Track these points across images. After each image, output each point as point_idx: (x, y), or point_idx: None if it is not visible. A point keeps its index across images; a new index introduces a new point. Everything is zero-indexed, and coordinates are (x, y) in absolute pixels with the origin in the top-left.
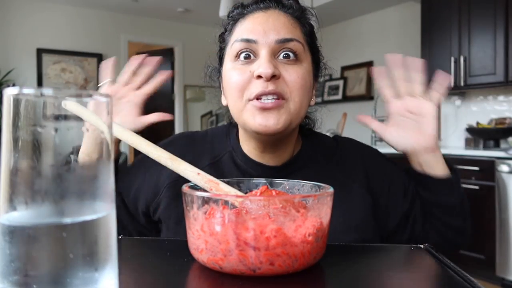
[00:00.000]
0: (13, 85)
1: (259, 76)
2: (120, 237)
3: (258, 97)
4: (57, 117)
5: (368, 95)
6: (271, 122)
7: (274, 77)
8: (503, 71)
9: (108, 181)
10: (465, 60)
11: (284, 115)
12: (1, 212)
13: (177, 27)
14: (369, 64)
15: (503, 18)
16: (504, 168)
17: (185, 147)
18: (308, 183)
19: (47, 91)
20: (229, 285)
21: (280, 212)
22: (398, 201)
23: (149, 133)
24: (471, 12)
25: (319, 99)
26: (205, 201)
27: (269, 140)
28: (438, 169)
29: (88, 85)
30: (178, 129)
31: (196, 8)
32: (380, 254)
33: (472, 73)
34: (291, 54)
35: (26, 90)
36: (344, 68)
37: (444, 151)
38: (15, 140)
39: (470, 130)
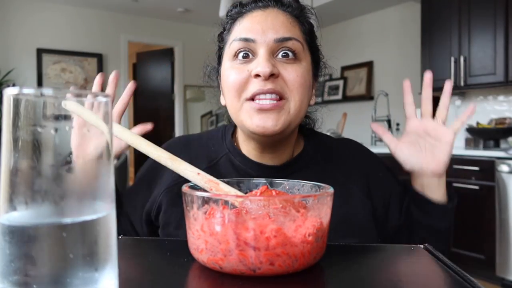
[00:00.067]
0: (13, 85)
1: (257, 75)
2: (120, 237)
3: (255, 97)
4: (57, 117)
5: (368, 95)
6: (269, 123)
7: (272, 76)
8: (503, 71)
9: (108, 181)
10: (465, 60)
11: (283, 116)
12: (1, 212)
13: (177, 27)
14: (369, 64)
15: (503, 18)
16: (504, 168)
17: (180, 152)
18: (308, 183)
19: (47, 91)
20: (229, 285)
21: (280, 212)
22: (394, 214)
23: (149, 133)
24: (471, 12)
25: (319, 99)
26: (205, 201)
27: (267, 141)
28: (438, 193)
29: (88, 85)
30: (178, 129)
31: (196, 8)
32: (380, 254)
33: (472, 73)
34: (290, 53)
35: (26, 90)
36: (344, 68)
37: None
38: (15, 140)
39: (470, 130)
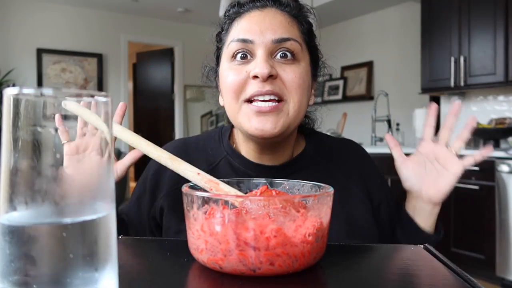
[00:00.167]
0: (13, 85)
1: (256, 77)
2: (120, 237)
3: (254, 98)
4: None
5: (368, 95)
6: (268, 126)
7: (271, 77)
8: (503, 71)
9: (108, 181)
10: (465, 60)
11: (282, 119)
12: (1, 212)
13: (177, 27)
14: (369, 64)
15: (503, 18)
16: (504, 168)
17: (179, 155)
18: (308, 183)
19: (47, 91)
20: (229, 285)
21: (280, 212)
22: (384, 221)
23: (149, 133)
24: (471, 12)
25: (319, 99)
26: (205, 201)
27: (266, 143)
28: (427, 222)
29: (88, 85)
30: (178, 129)
31: (196, 8)
32: (380, 254)
33: (472, 73)
34: (288, 54)
35: (26, 90)
36: (344, 68)
37: None
38: (15, 140)
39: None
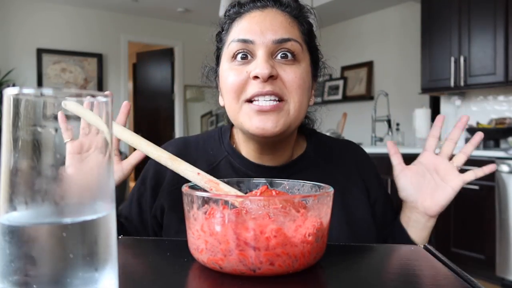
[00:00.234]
0: (13, 85)
1: (256, 77)
2: (120, 237)
3: (254, 98)
4: (57, 117)
5: (368, 95)
6: (269, 125)
7: (271, 78)
8: (503, 71)
9: (108, 181)
10: (465, 60)
11: (283, 118)
12: (1, 212)
13: (177, 27)
14: (369, 64)
15: (503, 18)
16: (504, 168)
17: (179, 154)
18: (308, 183)
19: (47, 91)
20: (229, 285)
21: (280, 212)
22: (376, 220)
23: (149, 133)
24: (471, 12)
25: (319, 99)
26: (205, 201)
27: (267, 142)
28: (421, 235)
29: (88, 85)
30: (178, 129)
31: (196, 8)
32: (380, 254)
33: (472, 73)
34: (289, 54)
35: (26, 90)
36: (344, 68)
37: None
38: (15, 140)
39: (470, 130)
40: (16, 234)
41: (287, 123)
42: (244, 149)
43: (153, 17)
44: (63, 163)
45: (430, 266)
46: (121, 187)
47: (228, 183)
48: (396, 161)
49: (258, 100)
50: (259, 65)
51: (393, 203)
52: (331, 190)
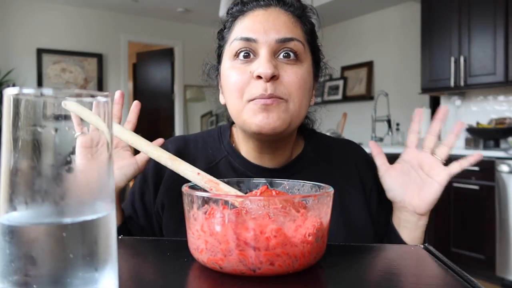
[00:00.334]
0: (13, 85)
1: (259, 77)
2: (120, 237)
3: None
4: (57, 117)
5: (368, 95)
6: (271, 120)
7: (273, 78)
8: (503, 71)
9: (108, 181)
10: (465, 60)
11: (284, 115)
12: (1, 212)
13: (177, 27)
14: (369, 64)
15: (503, 18)
16: (504, 168)
17: (179, 153)
18: (308, 183)
19: (47, 91)
20: (229, 285)
21: (280, 212)
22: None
23: (149, 133)
24: (471, 12)
25: (319, 99)
26: (205, 201)
27: (268, 141)
28: (413, 235)
29: (88, 85)
30: (178, 129)
31: (196, 8)
32: (380, 254)
33: (472, 73)
34: (291, 54)
35: (26, 90)
36: (344, 68)
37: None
38: (15, 140)
39: (470, 130)
40: (16, 234)
41: (288, 119)
42: (244, 148)
43: (153, 17)
44: (63, 163)
45: (430, 266)
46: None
47: (228, 183)
48: (380, 162)
49: (260, 100)
50: (262, 65)
51: (391, 204)
52: (331, 190)
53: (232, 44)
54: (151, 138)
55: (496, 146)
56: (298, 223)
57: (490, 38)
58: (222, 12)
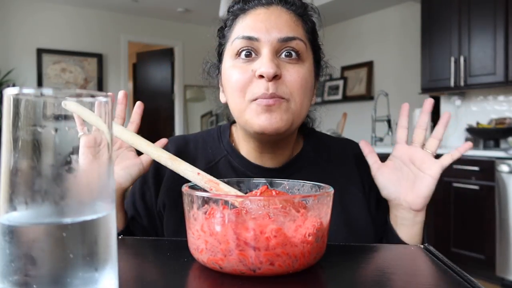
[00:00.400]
0: (13, 85)
1: (261, 76)
2: (120, 237)
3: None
4: (57, 117)
5: (368, 95)
6: (273, 121)
7: (275, 77)
8: (503, 71)
9: (108, 181)
10: (465, 60)
11: (286, 115)
12: (1, 212)
13: (177, 27)
14: (369, 64)
15: (503, 18)
16: (504, 168)
17: (178, 153)
18: (308, 183)
19: (47, 91)
20: (229, 285)
21: (280, 212)
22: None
23: (149, 133)
24: (471, 12)
25: (319, 99)
26: (205, 201)
27: (269, 140)
28: (411, 232)
29: (88, 85)
30: (178, 129)
31: (196, 8)
32: (380, 254)
33: (472, 73)
34: (293, 53)
35: (26, 90)
36: (344, 68)
37: (444, 151)
38: (15, 140)
39: (470, 130)
40: (16, 234)
41: (290, 119)
42: (244, 147)
43: (153, 17)
44: (63, 163)
45: (430, 266)
46: None
47: (228, 183)
48: (372, 160)
49: (262, 100)
50: (265, 64)
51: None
52: (331, 190)
53: (234, 43)
54: (151, 138)
55: (496, 146)
56: (298, 223)
57: (490, 38)
58: (222, 12)
